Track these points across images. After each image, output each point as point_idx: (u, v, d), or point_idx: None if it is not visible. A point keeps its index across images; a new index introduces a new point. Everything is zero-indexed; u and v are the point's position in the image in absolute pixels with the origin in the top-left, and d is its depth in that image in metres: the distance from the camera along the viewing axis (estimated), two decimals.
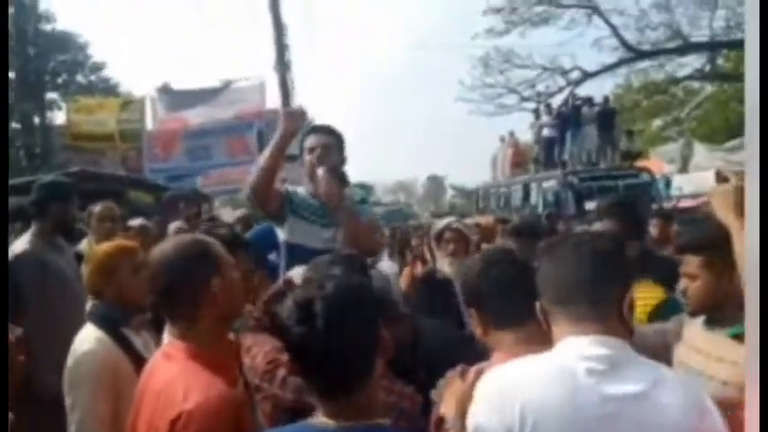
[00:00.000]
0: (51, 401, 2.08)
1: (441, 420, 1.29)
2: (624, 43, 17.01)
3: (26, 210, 3.03)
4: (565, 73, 17.65)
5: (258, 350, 1.68)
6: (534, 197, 11.51)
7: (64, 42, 21.74)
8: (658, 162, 15.13)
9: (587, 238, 1.33)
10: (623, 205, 2.61)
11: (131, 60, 72.19)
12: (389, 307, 1.61)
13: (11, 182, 6.07)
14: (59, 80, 22.16)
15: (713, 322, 1.74)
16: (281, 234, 2.73)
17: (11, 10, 18.56)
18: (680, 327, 1.88)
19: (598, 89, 16.00)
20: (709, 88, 19.96)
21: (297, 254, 2.31)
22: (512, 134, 14.40)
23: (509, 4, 17.17)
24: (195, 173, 11.88)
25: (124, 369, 1.87)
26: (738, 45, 17.18)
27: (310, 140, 2.67)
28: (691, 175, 15.43)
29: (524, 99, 17.93)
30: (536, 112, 13.92)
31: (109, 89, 21.72)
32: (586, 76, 17.58)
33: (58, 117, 19.41)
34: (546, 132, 12.43)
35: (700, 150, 16.43)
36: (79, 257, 3.21)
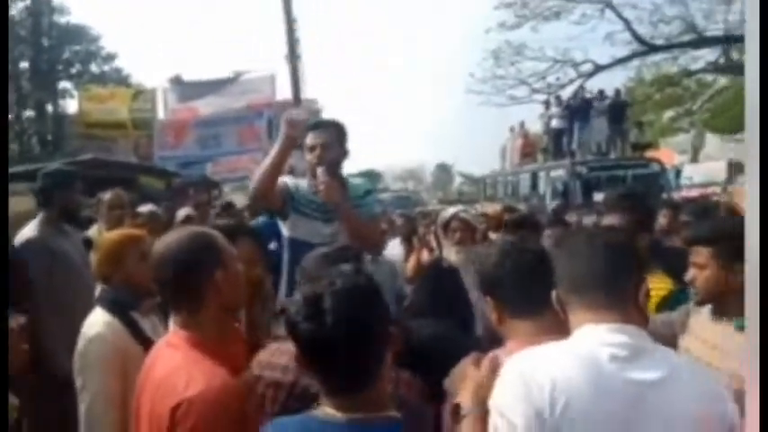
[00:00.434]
0: (63, 382, 2.13)
1: (456, 408, 1.28)
2: (637, 37, 16.74)
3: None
4: (576, 66, 17.46)
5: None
6: (542, 186, 11.48)
7: (77, 34, 21.97)
8: (669, 152, 15.04)
9: (600, 230, 1.36)
10: (631, 198, 2.60)
11: (143, 52, 72.53)
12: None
13: (25, 168, 6.15)
14: (73, 70, 22.39)
15: (719, 313, 1.77)
16: (284, 229, 2.75)
17: (27, 2, 18.68)
18: (686, 317, 1.90)
19: (609, 82, 15.82)
20: (722, 80, 19.68)
21: (300, 250, 2.29)
22: (522, 124, 14.35)
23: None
24: (205, 160, 11.99)
25: (132, 352, 1.90)
26: None
27: (310, 138, 2.64)
28: (701, 165, 15.33)
29: (535, 91, 17.76)
30: (546, 104, 13.83)
31: (121, 79, 21.88)
32: (598, 68, 17.38)
33: (71, 106, 19.62)
34: (555, 123, 12.37)
35: (711, 141, 16.28)
36: (89, 243, 3.27)
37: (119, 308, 2.02)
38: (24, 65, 20.41)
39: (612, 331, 1.16)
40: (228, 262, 1.50)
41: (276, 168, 2.50)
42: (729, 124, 18.60)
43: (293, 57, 13.74)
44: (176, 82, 12.57)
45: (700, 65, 17.98)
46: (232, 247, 1.56)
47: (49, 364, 2.50)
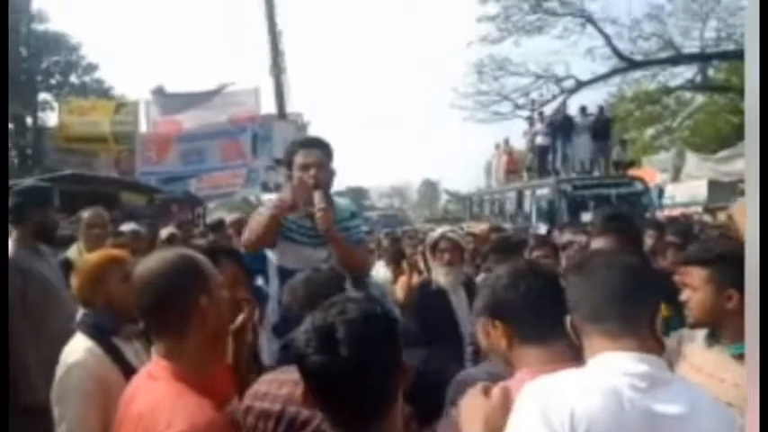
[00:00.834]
0: (39, 409, 2.02)
1: None
2: (617, 53, 17.14)
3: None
4: (559, 81, 17.75)
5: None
6: (528, 204, 11.54)
7: (57, 43, 21.63)
8: (651, 171, 15.24)
9: (617, 255, 1.34)
10: (618, 220, 2.60)
11: (126, 63, 72.14)
12: None
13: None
14: (52, 81, 22.05)
15: (713, 338, 1.74)
16: (271, 258, 2.64)
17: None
18: (679, 344, 1.88)
19: (591, 98, 16.12)
20: (700, 98, 20.15)
21: (287, 275, 2.17)
22: (506, 141, 14.47)
23: (503, 12, 17.28)
24: (188, 176, 11.87)
25: (114, 380, 1.81)
26: (730, 56, 17.39)
27: (304, 156, 2.53)
28: (683, 185, 15.57)
29: (518, 107, 18.02)
30: (530, 120, 13.97)
31: (102, 91, 21.63)
32: (580, 84, 17.68)
33: (51, 118, 19.33)
34: (540, 140, 12.48)
35: (691, 160, 16.58)
36: (68, 264, 3.16)
37: (100, 333, 1.94)
38: None
39: (633, 360, 1.14)
40: (214, 287, 1.44)
41: (270, 231, 2.44)
42: (707, 143, 19.00)
43: (277, 70, 13.76)
44: (159, 94, 12.49)
45: (678, 82, 18.44)
46: (217, 271, 1.50)
47: (23, 394, 2.38)
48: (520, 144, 14.44)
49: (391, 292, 4.67)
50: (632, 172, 12.68)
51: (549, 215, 10.30)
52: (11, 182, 3.28)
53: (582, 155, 12.03)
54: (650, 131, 21.59)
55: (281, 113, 13.48)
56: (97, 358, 1.87)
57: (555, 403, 1.09)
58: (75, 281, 2.13)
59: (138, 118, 12.62)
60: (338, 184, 11.70)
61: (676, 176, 16.35)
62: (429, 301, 3.28)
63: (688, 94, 20.04)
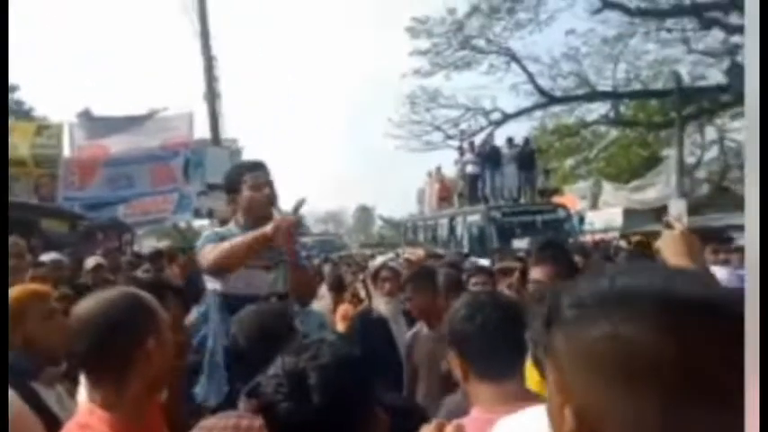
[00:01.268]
0: None
1: None
2: (539, 89, 18.32)
3: None
4: (486, 114, 18.67)
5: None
6: (460, 230, 11.96)
7: None
8: (572, 198, 16.24)
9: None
10: (554, 247, 2.65)
11: (49, 84, 68.25)
12: None
13: None
14: None
15: None
16: (213, 284, 2.46)
17: None
18: None
19: (516, 130, 17.04)
20: (614, 132, 21.76)
21: (238, 305, 1.99)
22: (438, 170, 14.97)
23: (433, 48, 18.07)
24: (116, 202, 11.37)
25: (33, 430, 1.65)
26: (637, 95, 19.01)
27: (254, 178, 2.50)
28: (601, 212, 16.70)
29: (449, 137, 18.74)
30: (460, 150, 14.57)
31: (22, 113, 20.45)
32: (506, 117, 18.67)
33: None
34: (470, 169, 13.01)
35: (607, 188, 17.85)
36: None
37: (17, 377, 1.74)
38: None
39: None
40: (161, 328, 1.33)
41: (244, 259, 2.32)
42: (621, 173, 20.49)
43: (212, 95, 13.62)
44: (85, 117, 11.97)
45: (594, 116, 19.89)
46: (164, 311, 1.40)
47: None
48: (451, 172, 14.99)
49: (331, 321, 4.69)
50: (556, 199, 13.48)
51: (480, 241, 10.74)
52: None
53: (510, 183, 12.66)
54: (570, 162, 23.01)
55: (216, 139, 13.30)
56: (13, 405, 1.67)
57: None
58: None
59: (61, 141, 11.99)
60: None
61: (594, 204, 17.54)
62: (370, 329, 3.31)
63: (603, 128, 21.61)
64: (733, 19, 14.37)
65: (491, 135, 16.68)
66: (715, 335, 0.54)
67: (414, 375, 2.93)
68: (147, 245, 11.25)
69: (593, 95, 18.43)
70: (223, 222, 3.60)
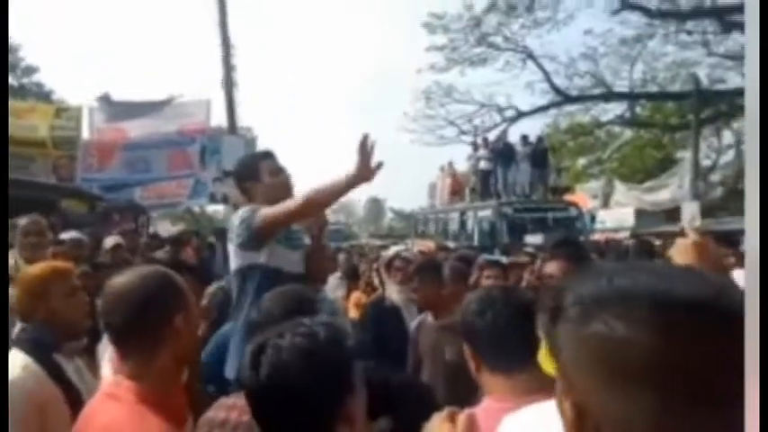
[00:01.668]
0: None
1: None
2: (554, 87, 18.29)
3: None
4: (500, 110, 18.68)
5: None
6: (471, 225, 12.02)
7: None
8: (584, 197, 16.22)
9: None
10: (569, 245, 2.67)
11: (68, 68, 68.82)
12: None
13: None
14: None
15: None
16: (257, 258, 2.42)
17: None
18: None
19: (530, 127, 17.04)
20: (628, 133, 21.67)
21: (277, 278, 2.13)
22: (451, 164, 15.01)
23: (450, 43, 18.07)
24: (133, 184, 11.56)
25: (53, 401, 1.70)
26: (654, 96, 18.91)
27: (271, 164, 2.57)
28: (612, 211, 16.67)
29: (463, 132, 18.78)
30: (474, 145, 14.59)
31: (42, 95, 20.70)
32: (520, 114, 18.66)
33: None
34: (483, 165, 13.04)
35: (620, 188, 17.81)
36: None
37: (40, 349, 1.80)
38: None
39: None
40: (190, 305, 1.40)
41: (325, 204, 2.45)
42: (634, 174, 20.42)
43: (229, 84, 13.73)
44: (105, 101, 12.14)
45: (609, 117, 19.82)
46: (191, 292, 1.46)
47: None
48: (463, 167, 15.04)
49: (344, 307, 4.79)
50: (567, 197, 13.48)
51: (490, 236, 10.79)
52: None
53: (522, 180, 12.67)
54: (582, 161, 22.96)
55: (232, 127, 13.43)
56: (35, 376, 1.73)
57: None
58: (14, 294, 2.01)
59: (80, 123, 12.18)
60: None
61: (606, 203, 17.51)
62: (382, 317, 3.42)
63: (617, 129, 21.54)
64: None
65: (505, 132, 16.67)
66: (709, 333, 0.54)
67: (418, 363, 2.99)
68: (162, 227, 11.42)
69: (609, 96, 18.36)
70: (237, 208, 3.68)
